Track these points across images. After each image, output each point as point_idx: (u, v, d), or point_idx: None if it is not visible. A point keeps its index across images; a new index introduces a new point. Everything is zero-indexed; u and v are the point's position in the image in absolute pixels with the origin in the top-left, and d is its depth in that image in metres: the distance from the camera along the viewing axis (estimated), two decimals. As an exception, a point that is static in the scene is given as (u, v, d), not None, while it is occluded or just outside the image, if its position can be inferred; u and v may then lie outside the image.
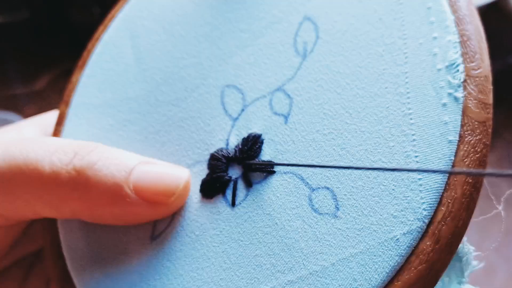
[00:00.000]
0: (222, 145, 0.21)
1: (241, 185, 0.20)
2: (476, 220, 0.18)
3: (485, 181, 0.19)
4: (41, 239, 0.23)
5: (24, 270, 0.25)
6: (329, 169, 0.19)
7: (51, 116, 0.25)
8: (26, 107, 0.52)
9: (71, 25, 0.49)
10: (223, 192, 0.21)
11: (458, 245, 0.18)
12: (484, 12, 0.46)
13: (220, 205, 0.20)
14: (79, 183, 0.19)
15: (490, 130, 0.18)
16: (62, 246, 0.22)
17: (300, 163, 0.20)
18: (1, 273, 0.25)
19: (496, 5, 0.46)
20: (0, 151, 0.20)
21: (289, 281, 0.18)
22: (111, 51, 0.25)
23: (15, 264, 0.25)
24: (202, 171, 0.21)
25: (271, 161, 0.20)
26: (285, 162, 0.20)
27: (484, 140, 0.18)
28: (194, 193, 0.21)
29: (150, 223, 0.21)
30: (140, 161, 0.20)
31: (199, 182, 0.21)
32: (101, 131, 0.23)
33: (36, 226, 0.25)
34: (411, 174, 0.18)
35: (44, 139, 0.21)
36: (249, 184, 0.20)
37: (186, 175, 0.21)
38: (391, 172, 0.18)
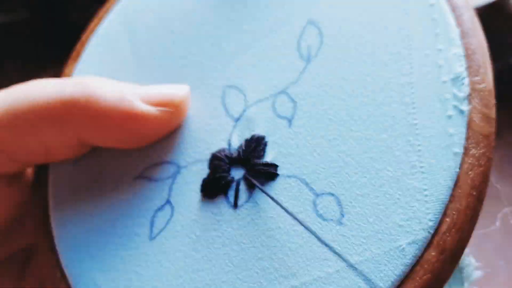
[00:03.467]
0: (223, 145, 0.21)
1: (243, 187, 0.20)
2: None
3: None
4: (33, 235, 0.23)
5: (19, 266, 0.25)
6: (333, 175, 0.19)
7: None
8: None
9: (71, 25, 0.49)
10: (225, 193, 0.20)
11: (461, 256, 0.18)
12: (484, 12, 0.46)
13: (222, 206, 0.20)
14: (85, 95, 0.20)
15: (493, 144, 0.19)
16: (56, 243, 0.22)
17: (304, 167, 0.20)
18: None
19: (496, 5, 0.46)
20: (5, 91, 0.21)
21: (292, 286, 0.18)
22: (107, 45, 0.25)
23: (9, 260, 0.25)
24: (203, 170, 0.21)
25: (274, 164, 0.20)
26: (289, 165, 0.20)
27: (487, 154, 0.18)
28: (195, 192, 0.21)
29: (148, 220, 0.21)
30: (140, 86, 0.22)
31: (200, 182, 0.21)
32: None
33: (28, 222, 0.25)
34: (416, 184, 0.18)
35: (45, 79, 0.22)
36: (251, 186, 0.20)
37: (185, 87, 0.22)
38: (396, 181, 0.18)
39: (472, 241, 0.21)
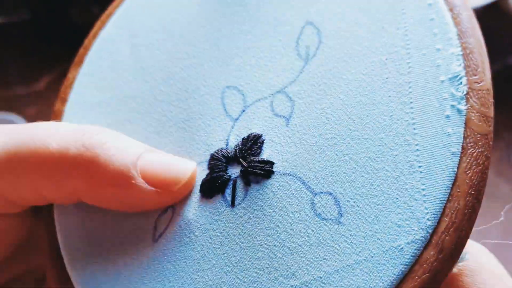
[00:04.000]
0: (222, 145, 0.21)
1: (240, 185, 0.20)
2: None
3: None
4: (40, 257, 0.23)
5: None
6: (331, 174, 0.19)
7: None
8: (27, 107, 0.52)
9: (71, 25, 0.49)
10: (222, 192, 0.20)
11: (460, 254, 0.18)
12: (484, 12, 0.46)
13: (220, 205, 0.20)
14: (87, 160, 0.19)
15: (491, 143, 0.19)
16: (61, 247, 0.22)
17: (301, 166, 0.20)
18: None
19: (496, 5, 0.46)
20: (9, 133, 0.20)
21: (292, 286, 0.18)
22: (109, 48, 0.25)
23: (17, 282, 0.25)
24: (203, 172, 0.21)
25: (270, 161, 0.20)
26: (286, 163, 0.20)
27: (486, 153, 0.18)
28: (194, 193, 0.21)
29: (151, 224, 0.21)
30: (147, 148, 0.21)
31: (199, 183, 0.21)
32: None
33: (34, 243, 0.25)
34: (414, 183, 0.18)
35: (52, 122, 0.21)
36: (248, 184, 0.20)
37: (193, 165, 0.21)
38: (395, 181, 0.18)
39: (471, 240, 0.21)
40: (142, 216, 0.21)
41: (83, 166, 0.20)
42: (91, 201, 0.21)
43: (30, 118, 0.51)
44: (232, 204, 0.20)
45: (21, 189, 0.21)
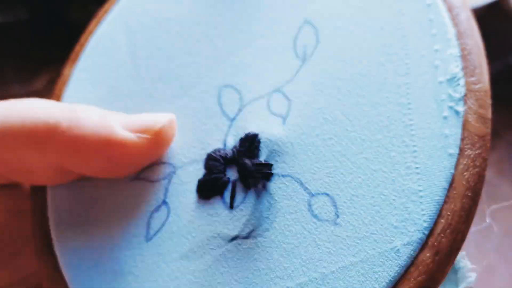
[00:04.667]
0: (219, 145, 0.21)
1: (239, 187, 0.20)
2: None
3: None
4: (30, 265, 0.23)
5: None
6: (328, 174, 0.19)
7: None
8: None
9: (70, 24, 0.49)
10: (221, 194, 0.20)
11: (456, 257, 0.18)
12: (484, 12, 0.46)
13: (218, 206, 0.20)
14: (68, 117, 0.20)
15: (489, 145, 0.18)
16: (54, 245, 0.22)
17: (299, 167, 0.20)
18: None
19: (496, 5, 0.46)
20: None
21: (288, 287, 0.18)
22: (105, 45, 0.25)
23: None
24: (199, 171, 0.21)
25: (268, 162, 0.20)
26: (283, 164, 0.20)
27: (483, 155, 0.18)
28: (191, 193, 0.21)
29: (144, 221, 0.21)
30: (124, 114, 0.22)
31: (196, 182, 0.21)
32: None
33: (30, 248, 0.25)
34: (411, 185, 0.18)
35: (31, 99, 0.22)
36: (247, 186, 0.20)
37: (170, 114, 0.22)
38: (392, 182, 0.18)
39: (471, 239, 0.21)
40: (134, 212, 0.21)
41: (64, 127, 0.20)
42: (77, 167, 0.21)
43: (28, 118, 0.51)
44: (231, 206, 0.20)
45: (4, 158, 0.21)
